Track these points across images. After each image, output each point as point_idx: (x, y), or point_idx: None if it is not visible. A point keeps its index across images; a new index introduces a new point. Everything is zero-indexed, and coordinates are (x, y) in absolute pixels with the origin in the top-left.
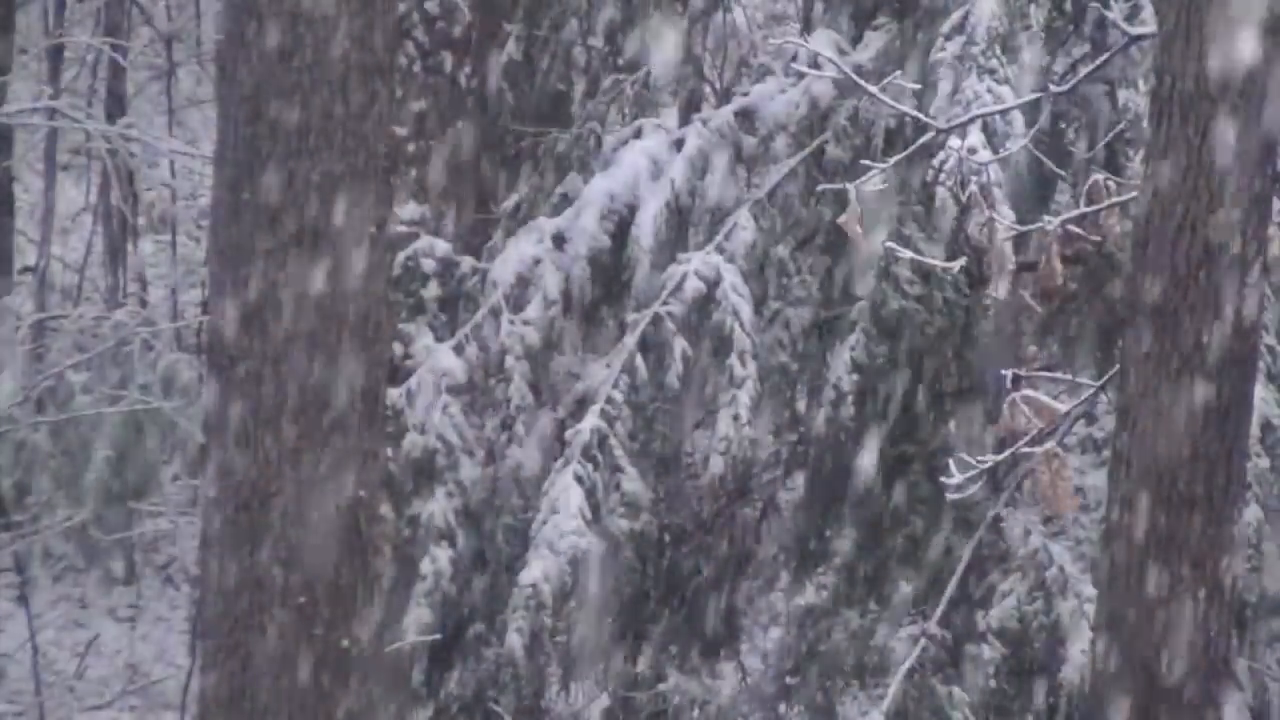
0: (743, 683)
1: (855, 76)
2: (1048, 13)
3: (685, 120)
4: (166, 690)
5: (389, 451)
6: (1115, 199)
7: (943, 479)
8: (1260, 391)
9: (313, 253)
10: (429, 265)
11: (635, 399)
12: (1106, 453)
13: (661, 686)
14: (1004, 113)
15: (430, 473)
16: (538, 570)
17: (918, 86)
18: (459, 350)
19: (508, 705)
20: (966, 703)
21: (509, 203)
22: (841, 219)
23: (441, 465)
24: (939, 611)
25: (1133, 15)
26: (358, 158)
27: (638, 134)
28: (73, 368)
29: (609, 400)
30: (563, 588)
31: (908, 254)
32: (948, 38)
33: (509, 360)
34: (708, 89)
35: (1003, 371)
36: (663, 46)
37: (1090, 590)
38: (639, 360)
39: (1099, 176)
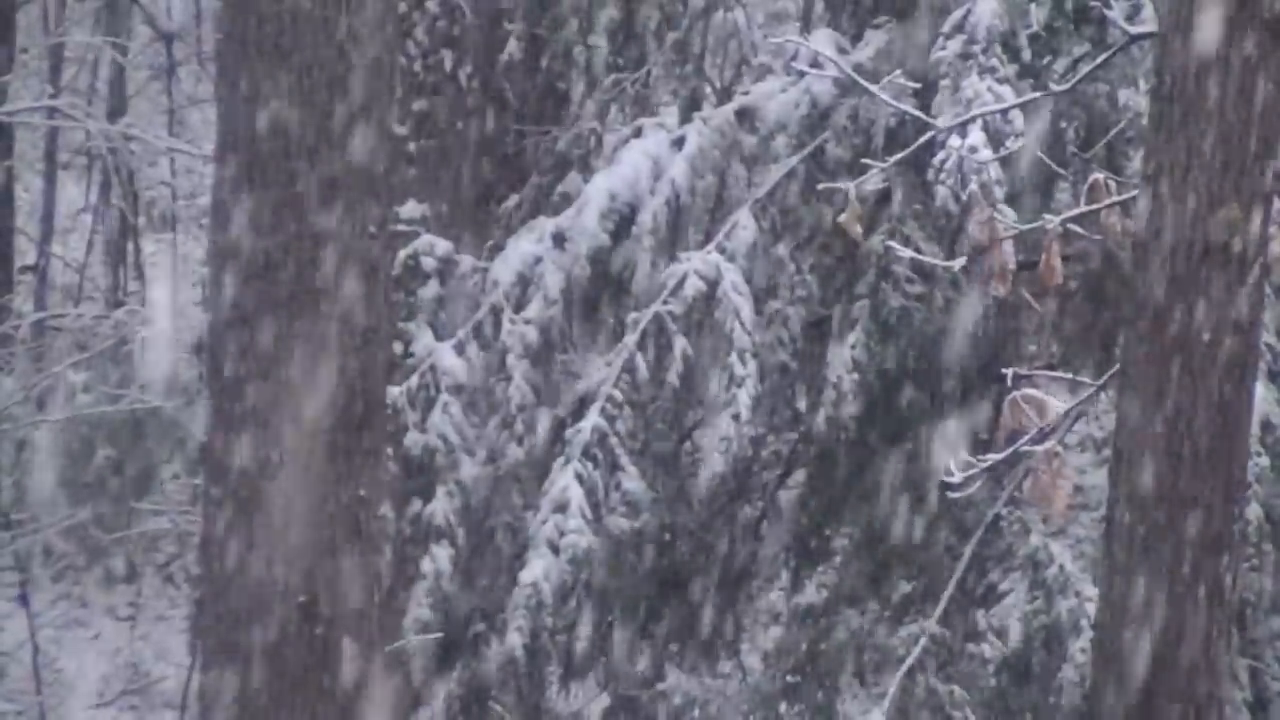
0: (743, 683)
1: (855, 75)
2: (1048, 12)
3: (685, 119)
4: (166, 690)
5: (389, 451)
6: (1115, 198)
7: (943, 478)
8: (1260, 391)
9: (313, 252)
10: (429, 264)
11: (636, 398)
12: (1106, 452)
13: (661, 686)
14: (1004, 112)
15: (430, 472)
16: (538, 569)
17: (918, 86)
18: (459, 349)
19: (508, 705)
20: (966, 702)
21: (509, 202)
22: (842, 218)
23: (441, 465)
24: (939, 611)
25: (1133, 15)
26: (357, 158)
27: (638, 133)
28: (73, 367)
29: (609, 399)
30: (563, 587)
31: (908, 253)
32: (948, 37)
33: (509, 359)
34: (708, 88)
35: (1003, 370)
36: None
37: (1090, 590)
38: (639, 359)
39: (1099, 176)
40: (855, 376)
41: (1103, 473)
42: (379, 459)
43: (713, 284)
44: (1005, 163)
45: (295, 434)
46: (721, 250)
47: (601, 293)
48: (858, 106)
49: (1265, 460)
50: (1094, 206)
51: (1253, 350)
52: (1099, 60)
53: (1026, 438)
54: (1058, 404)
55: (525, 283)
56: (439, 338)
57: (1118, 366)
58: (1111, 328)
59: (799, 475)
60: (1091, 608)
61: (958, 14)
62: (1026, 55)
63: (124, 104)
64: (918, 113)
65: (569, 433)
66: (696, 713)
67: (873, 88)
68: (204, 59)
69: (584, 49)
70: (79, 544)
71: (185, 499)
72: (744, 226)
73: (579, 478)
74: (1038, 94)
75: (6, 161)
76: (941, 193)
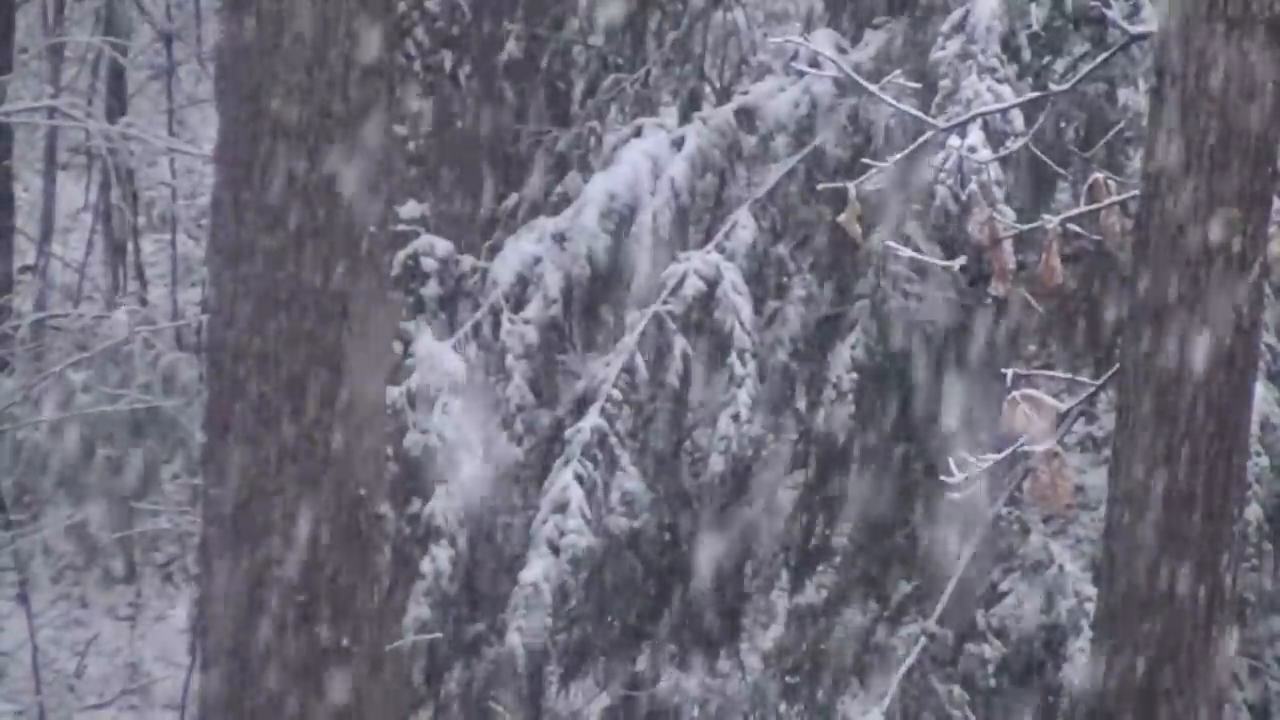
0: (743, 682)
1: (855, 75)
2: (1048, 12)
3: (685, 119)
4: (166, 689)
5: (389, 451)
6: (1115, 198)
7: (943, 478)
8: (1260, 390)
9: (312, 252)
10: (429, 264)
11: (635, 398)
12: (1106, 452)
13: (661, 686)
14: (1004, 112)
15: (430, 472)
16: (538, 569)
17: (918, 85)
18: (459, 349)
19: (508, 705)
20: (966, 702)
21: (509, 202)
22: (841, 218)
23: (441, 465)
24: (939, 611)
25: (1133, 14)
26: (358, 157)
27: (638, 133)
28: (73, 367)
29: (609, 399)
30: (563, 587)
31: (908, 253)
32: (948, 36)
33: (509, 359)
34: (707, 88)
35: (1003, 370)
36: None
37: (1090, 590)
38: (639, 359)
39: (1099, 175)
40: (855, 376)
41: (1103, 473)
42: (379, 459)
43: (713, 284)
44: (1005, 163)
45: (295, 434)
46: (721, 250)
47: (601, 293)
48: (857, 106)
49: (1265, 460)
50: (1094, 206)
51: (1253, 350)
52: (1099, 60)
53: (1026, 438)
54: (1058, 404)
55: (525, 283)
56: (439, 338)
57: (1117, 366)
58: (1111, 328)
59: (799, 475)
60: (1091, 608)
61: (957, 14)
62: (1026, 55)
63: (124, 104)
64: (918, 113)
65: (569, 433)
66: (696, 712)
67: (872, 87)
68: (204, 59)
69: (584, 49)
70: (79, 544)
71: (185, 499)
72: (744, 226)
73: (579, 478)
74: (1038, 94)
75: (6, 161)
76: (941, 193)
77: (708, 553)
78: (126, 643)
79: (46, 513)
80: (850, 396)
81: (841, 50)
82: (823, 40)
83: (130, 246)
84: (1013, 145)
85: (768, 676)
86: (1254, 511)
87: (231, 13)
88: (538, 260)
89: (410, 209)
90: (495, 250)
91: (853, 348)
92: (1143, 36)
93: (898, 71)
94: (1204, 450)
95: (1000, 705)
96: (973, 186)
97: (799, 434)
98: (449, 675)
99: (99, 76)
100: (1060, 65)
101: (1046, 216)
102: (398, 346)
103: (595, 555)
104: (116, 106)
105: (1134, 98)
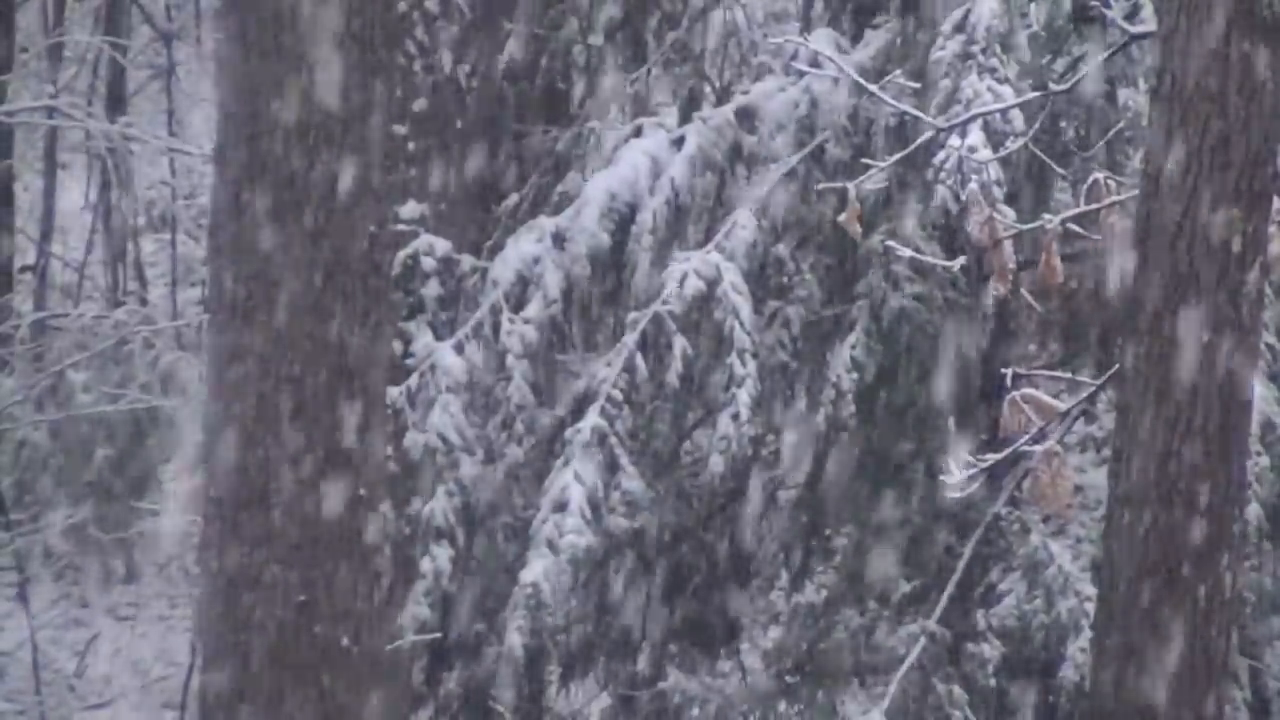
0: (743, 682)
1: (855, 75)
2: (1048, 12)
3: (685, 119)
4: (166, 689)
5: (389, 451)
6: (1115, 198)
7: (943, 478)
8: (1260, 390)
9: (313, 252)
10: (429, 264)
11: (635, 398)
12: (1106, 452)
13: (661, 686)
14: (1004, 111)
15: (430, 472)
16: (538, 569)
17: (918, 85)
18: (459, 349)
19: (508, 704)
20: (966, 701)
21: (509, 202)
22: (841, 217)
23: (441, 464)
24: (939, 610)
25: (1133, 14)
26: (358, 157)
27: (638, 132)
28: (73, 367)
29: (609, 399)
30: (563, 587)
31: (908, 252)
32: (948, 36)
33: (509, 359)
34: (707, 88)
35: (1003, 370)
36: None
37: (1090, 589)
38: (639, 359)
39: (1099, 175)
40: (855, 376)
41: (1103, 473)
42: (379, 457)
43: (712, 284)
44: (1004, 162)
45: (295, 433)
46: (721, 250)
47: (601, 292)
48: (858, 106)
49: (1265, 460)
50: (1094, 206)
51: (1253, 350)
52: (1099, 60)
53: (1026, 437)
54: (1058, 404)
55: (525, 283)
56: (439, 338)
57: (1117, 366)
58: (1111, 328)
59: (799, 475)
60: (1091, 608)
61: (958, 14)
62: (1026, 55)
63: (124, 104)
64: (918, 113)
65: (569, 433)
66: (696, 712)
67: (872, 87)
68: (204, 59)
69: (584, 49)
70: (79, 544)
71: (185, 499)
72: (744, 226)
73: (579, 478)
74: (1038, 94)
75: (6, 161)
76: (941, 193)
77: (708, 553)
78: (126, 643)
79: (46, 513)
80: (850, 396)
81: (842, 50)
82: (823, 40)
83: (130, 246)
84: (1013, 145)
85: (768, 676)
86: (1254, 511)
87: (230, 12)
88: (538, 260)
89: (410, 209)
90: (495, 250)
91: (852, 348)
92: (1143, 36)
93: (898, 71)
94: (1204, 450)
95: (1000, 705)
96: (973, 186)
97: (799, 434)
98: (449, 675)
99: (99, 76)
100: (1060, 65)
101: (1046, 216)
102: (398, 346)
103: (595, 555)
104: (116, 106)
105: (1134, 98)
